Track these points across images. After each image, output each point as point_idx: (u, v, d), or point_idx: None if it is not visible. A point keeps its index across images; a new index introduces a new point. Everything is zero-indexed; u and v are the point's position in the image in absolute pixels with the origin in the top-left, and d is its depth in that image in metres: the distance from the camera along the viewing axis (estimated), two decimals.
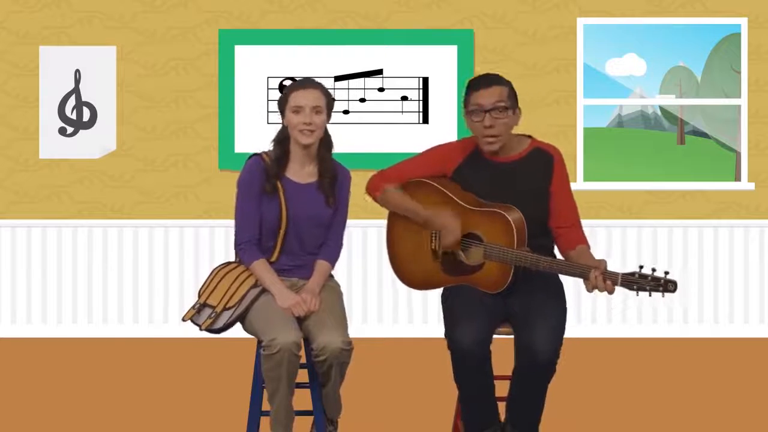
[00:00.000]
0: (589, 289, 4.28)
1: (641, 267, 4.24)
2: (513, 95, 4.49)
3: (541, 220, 4.52)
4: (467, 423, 4.45)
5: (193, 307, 4.66)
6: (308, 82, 4.63)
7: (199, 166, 8.19)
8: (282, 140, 4.67)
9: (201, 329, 4.61)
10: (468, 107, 4.46)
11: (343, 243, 4.77)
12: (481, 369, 4.34)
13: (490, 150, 4.47)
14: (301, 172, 4.67)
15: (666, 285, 4.18)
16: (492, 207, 4.42)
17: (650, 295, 4.29)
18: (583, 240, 4.52)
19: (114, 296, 8.09)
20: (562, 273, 4.31)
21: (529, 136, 4.58)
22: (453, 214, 4.48)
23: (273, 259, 4.66)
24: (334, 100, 4.66)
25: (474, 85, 4.46)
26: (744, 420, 5.64)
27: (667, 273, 4.18)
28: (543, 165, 4.51)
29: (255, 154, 4.67)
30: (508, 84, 4.48)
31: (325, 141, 4.69)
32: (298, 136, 4.60)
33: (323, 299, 4.63)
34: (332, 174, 4.68)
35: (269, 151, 4.69)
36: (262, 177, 4.62)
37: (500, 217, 4.38)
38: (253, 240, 4.63)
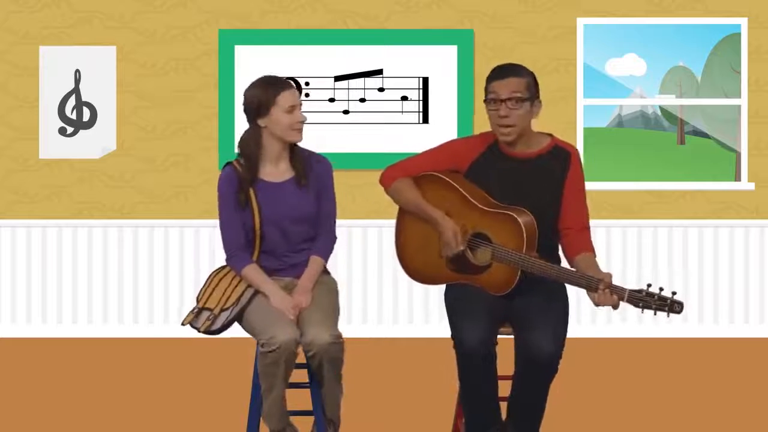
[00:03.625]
0: (597, 304, 4.27)
1: (649, 285, 4.23)
2: (534, 86, 4.45)
3: (554, 219, 4.50)
4: (469, 423, 4.45)
5: (191, 311, 4.67)
6: (289, 82, 4.62)
7: (199, 166, 8.19)
8: (251, 145, 4.62)
9: (200, 332, 4.61)
10: (486, 95, 4.46)
11: (335, 236, 4.75)
12: (487, 369, 4.34)
13: (505, 141, 4.44)
14: (275, 171, 4.67)
15: (672, 306, 4.17)
16: (504, 209, 4.39)
17: (655, 314, 4.28)
18: (589, 247, 4.48)
19: (114, 296, 8.09)
20: (568, 283, 4.29)
21: (550, 135, 4.56)
22: (455, 231, 4.45)
23: (253, 258, 4.67)
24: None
25: (493, 74, 4.45)
26: (744, 420, 5.64)
27: (674, 293, 4.18)
28: (561, 162, 4.49)
29: (228, 163, 4.66)
30: (529, 75, 4.45)
31: None
32: (292, 135, 4.59)
33: (313, 295, 4.63)
34: (302, 159, 4.67)
35: (240, 156, 4.65)
36: (236, 187, 4.62)
37: (511, 220, 4.36)
38: (240, 247, 4.63)
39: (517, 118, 4.41)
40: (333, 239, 4.74)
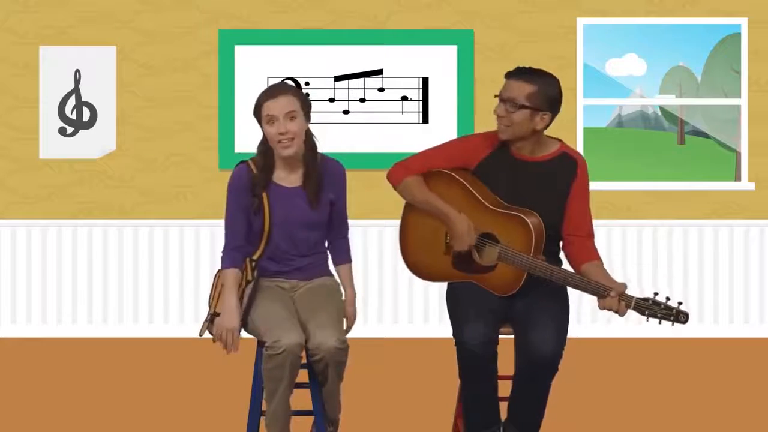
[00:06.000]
0: (602, 307, 4.27)
1: (656, 294, 4.24)
2: (539, 97, 4.39)
3: (556, 224, 4.49)
4: (469, 422, 4.45)
5: (205, 320, 4.65)
6: (277, 89, 4.50)
7: (199, 166, 8.19)
8: (266, 149, 4.60)
9: (214, 342, 4.60)
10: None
11: (349, 240, 4.75)
12: (488, 369, 4.34)
13: (501, 138, 4.46)
14: (288, 176, 4.62)
15: (678, 315, 4.19)
16: (514, 210, 4.39)
17: (660, 323, 4.30)
18: (596, 255, 4.48)
19: (114, 296, 8.09)
20: (575, 288, 4.30)
21: (559, 140, 4.55)
22: (469, 225, 4.44)
23: (255, 257, 4.65)
24: (309, 101, 4.54)
25: (509, 72, 4.46)
26: (744, 420, 5.64)
27: (680, 303, 4.19)
28: (567, 169, 4.49)
29: (242, 162, 4.62)
30: (539, 84, 4.40)
31: (309, 144, 4.60)
32: (278, 149, 4.51)
33: (320, 299, 4.62)
34: (317, 177, 4.60)
35: (256, 158, 4.62)
36: (248, 188, 4.58)
37: (521, 221, 4.35)
38: (237, 248, 4.60)
39: (510, 120, 4.42)
40: (348, 241, 4.77)
